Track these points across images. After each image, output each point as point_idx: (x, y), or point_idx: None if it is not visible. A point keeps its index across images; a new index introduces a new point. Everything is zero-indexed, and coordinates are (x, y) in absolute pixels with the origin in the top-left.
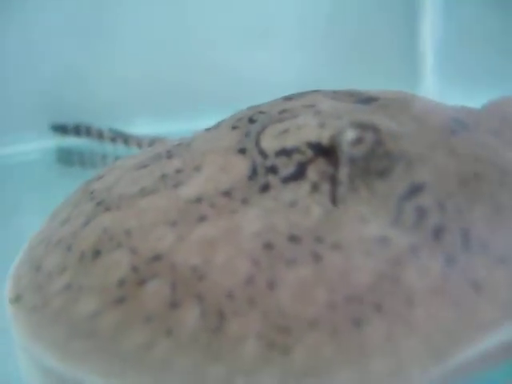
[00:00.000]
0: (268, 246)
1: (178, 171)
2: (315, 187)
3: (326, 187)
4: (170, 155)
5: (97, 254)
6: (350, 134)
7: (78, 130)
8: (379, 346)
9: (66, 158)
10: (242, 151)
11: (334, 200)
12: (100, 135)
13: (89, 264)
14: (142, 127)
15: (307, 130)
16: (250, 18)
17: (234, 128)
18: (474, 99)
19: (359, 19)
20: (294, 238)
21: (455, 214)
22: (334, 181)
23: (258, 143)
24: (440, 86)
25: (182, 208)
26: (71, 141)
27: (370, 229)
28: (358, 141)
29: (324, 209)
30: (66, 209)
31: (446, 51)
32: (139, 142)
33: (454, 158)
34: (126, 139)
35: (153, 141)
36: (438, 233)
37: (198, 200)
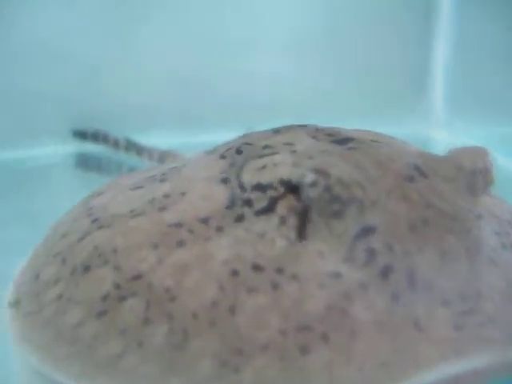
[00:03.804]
0: (234, 273)
1: (166, 196)
2: (283, 221)
3: (292, 222)
4: (162, 179)
5: (86, 268)
6: (309, 178)
7: (96, 137)
8: (319, 372)
9: (84, 163)
10: (225, 181)
11: (299, 234)
12: (116, 144)
13: (79, 278)
14: (164, 137)
15: (282, 168)
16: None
17: (221, 157)
18: (483, 129)
19: (370, 47)
20: (257, 267)
21: (402, 255)
22: (300, 216)
23: (239, 176)
24: (450, 115)
25: (164, 231)
26: (90, 147)
27: (325, 264)
28: (313, 184)
29: (288, 242)
30: (66, 222)
31: (457, 80)
32: (150, 154)
33: (406, 203)
34: (139, 150)
35: (163, 154)
36: (385, 272)
37: (179, 225)
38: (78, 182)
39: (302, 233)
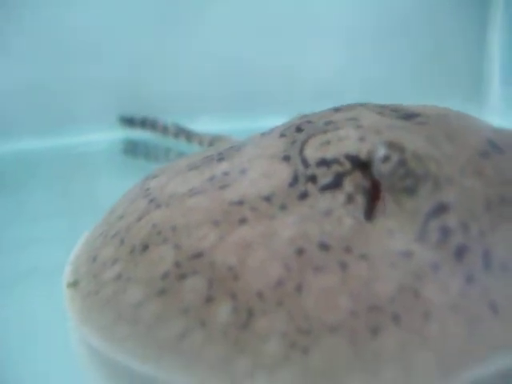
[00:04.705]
0: (299, 252)
1: (226, 174)
2: (350, 198)
3: (359, 199)
4: (220, 158)
5: (145, 247)
6: (381, 152)
7: (144, 123)
8: (392, 355)
9: (131, 149)
10: (286, 159)
11: (367, 212)
12: (164, 130)
13: (138, 257)
14: (211, 124)
15: (347, 143)
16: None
17: (281, 136)
18: None
19: (427, 34)
20: (324, 246)
21: (478, 235)
22: (367, 194)
23: (301, 152)
24: (507, 102)
25: (225, 209)
26: (137, 133)
27: (395, 243)
28: (386, 158)
29: (355, 220)
30: (123, 204)
31: None
32: (201, 139)
33: (482, 180)
34: (188, 135)
35: (214, 139)
36: (460, 252)
37: (241, 203)
38: (126, 169)
39: (369, 210)
